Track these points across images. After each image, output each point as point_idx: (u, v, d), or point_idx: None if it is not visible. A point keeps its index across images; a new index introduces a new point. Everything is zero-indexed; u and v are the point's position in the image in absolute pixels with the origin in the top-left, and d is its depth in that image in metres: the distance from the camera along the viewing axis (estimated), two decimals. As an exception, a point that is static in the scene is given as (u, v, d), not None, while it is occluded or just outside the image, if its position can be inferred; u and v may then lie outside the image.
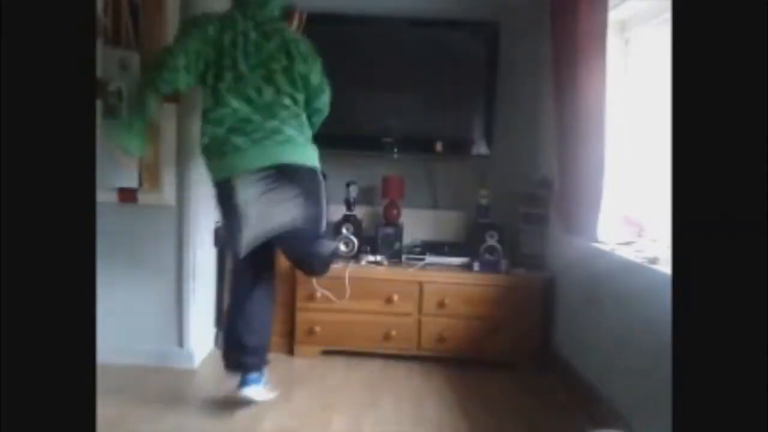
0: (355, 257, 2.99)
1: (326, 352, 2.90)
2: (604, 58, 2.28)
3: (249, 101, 2.12)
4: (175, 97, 2.58)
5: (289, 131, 2.16)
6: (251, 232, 2.07)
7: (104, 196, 2.53)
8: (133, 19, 2.55)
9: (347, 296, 2.85)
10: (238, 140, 2.09)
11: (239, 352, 2.22)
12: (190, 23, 2.19)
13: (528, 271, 2.97)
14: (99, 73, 2.51)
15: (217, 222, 2.96)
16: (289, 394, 2.45)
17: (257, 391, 2.23)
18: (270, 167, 2.09)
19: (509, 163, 3.23)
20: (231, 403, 2.30)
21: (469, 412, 2.38)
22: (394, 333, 2.88)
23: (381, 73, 3.18)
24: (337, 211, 3.15)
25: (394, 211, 3.15)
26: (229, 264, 2.71)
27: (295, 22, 2.44)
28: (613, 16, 2.37)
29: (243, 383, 2.22)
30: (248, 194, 2.07)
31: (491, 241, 2.96)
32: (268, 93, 2.15)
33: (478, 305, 2.87)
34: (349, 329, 2.90)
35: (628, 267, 2.11)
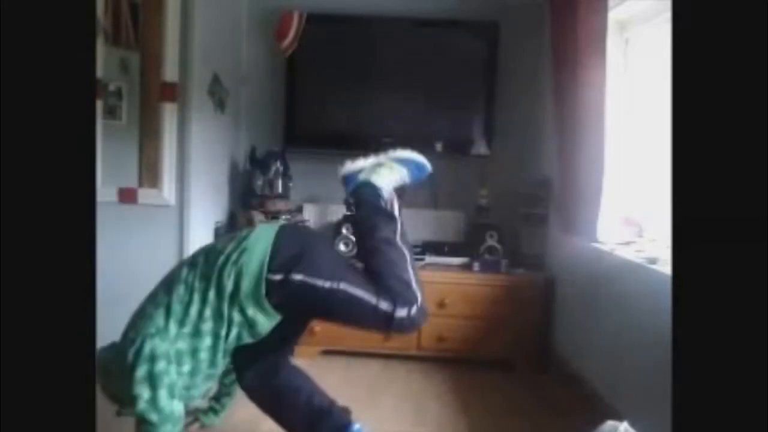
0: (355, 257, 2.99)
1: (326, 352, 2.90)
2: (604, 58, 2.28)
3: None
4: (174, 97, 2.58)
5: None
6: None
7: (104, 196, 2.53)
8: (133, 19, 2.55)
9: (347, 296, 2.84)
10: None
11: None
12: None
13: (528, 271, 2.97)
14: (99, 73, 2.51)
15: (217, 222, 2.96)
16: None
17: None
18: None
19: (509, 163, 3.23)
20: (231, 404, 2.30)
21: (469, 412, 2.38)
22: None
23: (381, 73, 3.18)
24: (337, 211, 3.15)
25: (394, 211, 3.15)
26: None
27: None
28: (613, 16, 2.37)
29: None
30: None
31: (491, 241, 2.96)
32: None
33: (478, 305, 2.87)
34: (349, 329, 2.89)
35: (628, 267, 2.11)
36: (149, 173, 2.61)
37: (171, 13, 2.54)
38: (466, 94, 3.17)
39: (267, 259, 1.61)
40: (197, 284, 1.62)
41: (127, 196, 2.61)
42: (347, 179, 1.88)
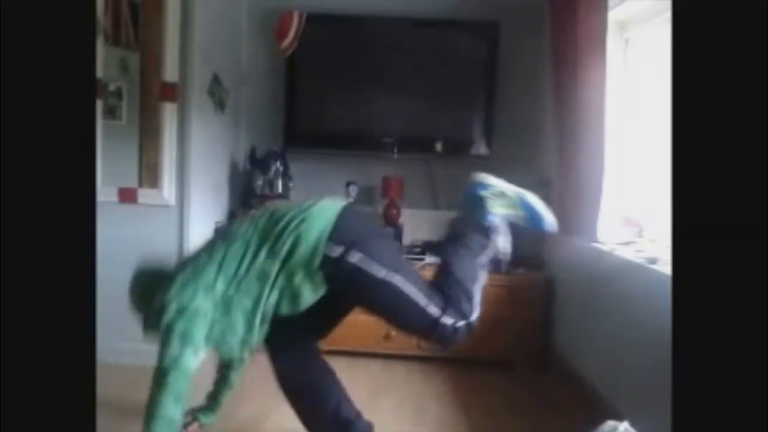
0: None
1: (326, 352, 2.88)
2: (604, 58, 2.28)
3: None
4: (174, 97, 2.58)
5: None
6: None
7: (104, 196, 2.53)
8: (133, 19, 2.55)
9: (347, 296, 2.84)
10: None
11: None
12: None
13: (528, 271, 2.97)
14: (99, 73, 2.51)
15: (217, 222, 2.96)
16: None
17: None
18: None
19: (509, 163, 3.21)
20: (232, 404, 2.30)
21: (469, 412, 2.38)
22: (394, 333, 2.88)
23: (381, 73, 3.18)
24: (337, 211, 3.15)
25: (394, 211, 3.15)
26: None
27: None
28: (613, 16, 2.37)
29: None
30: None
31: (491, 241, 2.96)
32: None
33: (478, 305, 2.87)
34: (350, 329, 2.88)
35: (628, 267, 2.11)
36: (149, 173, 2.61)
37: (171, 13, 2.55)
38: (466, 94, 3.17)
39: (328, 231, 1.61)
40: (253, 241, 1.64)
41: (127, 196, 2.61)
42: (474, 187, 1.86)
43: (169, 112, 2.58)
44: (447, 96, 3.16)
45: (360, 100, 3.21)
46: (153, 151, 2.59)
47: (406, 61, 3.17)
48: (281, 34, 3.11)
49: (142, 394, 2.37)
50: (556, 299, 2.90)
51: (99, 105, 2.53)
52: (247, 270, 1.62)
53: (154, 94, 2.58)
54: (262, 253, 1.62)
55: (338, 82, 3.20)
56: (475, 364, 2.86)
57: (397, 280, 1.63)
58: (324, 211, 1.67)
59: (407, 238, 3.17)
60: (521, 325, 2.87)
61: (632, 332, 2.06)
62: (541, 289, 2.90)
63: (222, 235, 1.73)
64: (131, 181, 2.60)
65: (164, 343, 1.61)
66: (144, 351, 2.64)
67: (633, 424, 1.77)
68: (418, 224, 3.26)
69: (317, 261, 1.60)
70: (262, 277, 1.62)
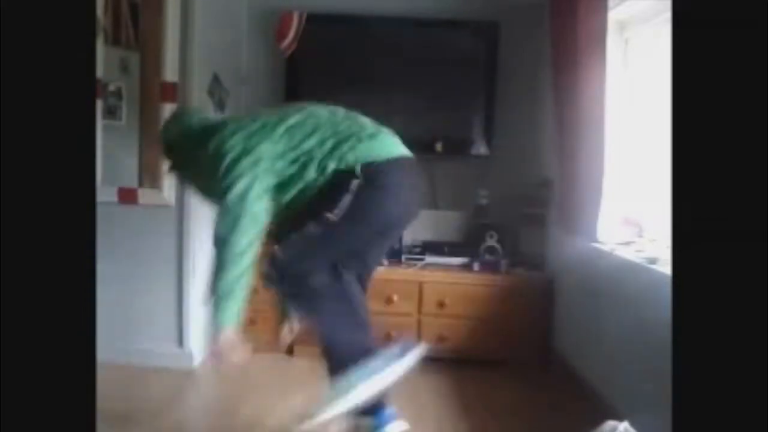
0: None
1: (326, 352, 2.90)
2: (604, 59, 2.28)
3: None
4: (174, 97, 2.58)
5: None
6: None
7: (104, 196, 2.53)
8: (133, 19, 2.55)
9: (347, 296, 2.84)
10: None
11: None
12: None
13: (528, 271, 2.97)
14: (99, 73, 2.51)
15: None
16: (289, 394, 2.45)
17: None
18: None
19: (509, 163, 3.23)
20: (231, 403, 2.30)
21: (469, 412, 2.38)
22: (394, 333, 2.88)
23: (381, 73, 3.18)
24: (337, 211, 3.15)
25: (394, 211, 3.15)
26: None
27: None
28: (613, 16, 2.37)
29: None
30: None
31: (491, 241, 2.96)
32: None
33: (478, 305, 2.87)
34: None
35: (628, 267, 2.11)
36: (149, 173, 2.61)
37: (171, 13, 2.55)
38: (466, 93, 3.17)
39: (380, 161, 1.69)
40: (325, 127, 1.71)
41: (127, 196, 2.61)
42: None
43: (169, 112, 2.58)
44: (447, 96, 3.16)
45: (360, 100, 3.20)
46: (153, 151, 2.59)
47: (406, 61, 3.17)
48: (281, 34, 3.11)
49: (142, 395, 2.38)
50: (556, 299, 2.90)
51: (99, 105, 2.53)
52: (308, 151, 1.66)
53: (154, 94, 2.58)
54: (328, 144, 1.67)
55: (338, 82, 3.20)
56: (475, 364, 2.86)
57: (333, 230, 1.64)
58: (395, 143, 1.83)
59: (407, 238, 3.17)
60: (521, 325, 2.87)
61: (632, 332, 2.06)
62: (541, 289, 2.90)
63: (297, 108, 1.79)
64: (131, 181, 2.60)
65: (228, 180, 1.64)
66: (144, 351, 2.65)
67: (633, 424, 1.77)
68: (417, 224, 3.26)
69: (355, 173, 1.64)
70: (315, 165, 1.65)
